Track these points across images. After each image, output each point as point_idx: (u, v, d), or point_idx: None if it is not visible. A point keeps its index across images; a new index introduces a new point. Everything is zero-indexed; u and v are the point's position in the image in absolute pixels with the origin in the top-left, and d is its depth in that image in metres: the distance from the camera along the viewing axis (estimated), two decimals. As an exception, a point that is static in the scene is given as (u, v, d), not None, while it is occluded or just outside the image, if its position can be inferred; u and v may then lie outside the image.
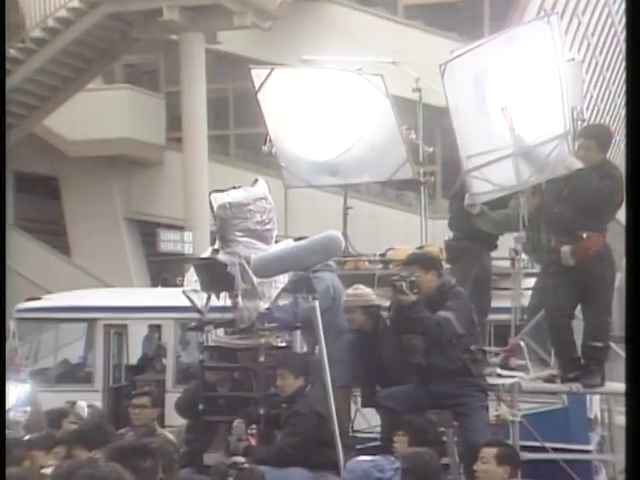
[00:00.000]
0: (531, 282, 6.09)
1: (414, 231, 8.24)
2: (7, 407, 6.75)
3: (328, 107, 7.06)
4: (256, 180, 5.86)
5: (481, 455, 4.35)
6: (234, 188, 5.79)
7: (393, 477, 3.50)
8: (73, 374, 9.98)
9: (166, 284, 12.25)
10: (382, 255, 6.85)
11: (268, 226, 5.64)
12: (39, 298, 10.18)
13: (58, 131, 16.03)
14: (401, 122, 6.92)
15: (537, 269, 6.19)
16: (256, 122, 8.04)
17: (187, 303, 6.00)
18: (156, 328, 10.35)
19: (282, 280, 5.58)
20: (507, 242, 6.10)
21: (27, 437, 5.38)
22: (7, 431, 5.40)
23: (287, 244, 5.55)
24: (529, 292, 6.07)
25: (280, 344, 5.51)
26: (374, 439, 5.50)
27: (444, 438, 5.03)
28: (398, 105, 6.85)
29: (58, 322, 10.25)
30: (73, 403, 7.05)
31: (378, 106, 6.87)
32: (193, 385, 6.25)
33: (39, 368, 10.16)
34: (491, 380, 5.42)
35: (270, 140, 7.40)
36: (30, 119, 14.54)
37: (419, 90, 8.02)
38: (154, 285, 14.61)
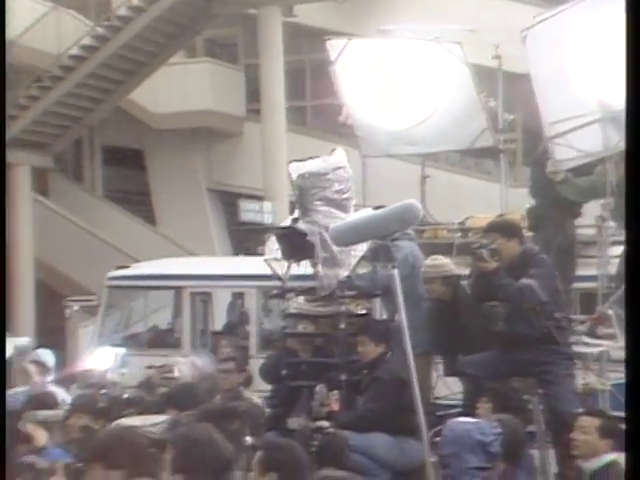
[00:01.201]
0: (618, 250, 5.91)
1: (493, 199, 8.09)
2: (105, 368, 7.01)
3: (406, 77, 6.98)
4: (334, 149, 5.84)
5: (580, 424, 4.12)
6: (312, 158, 5.79)
7: (494, 442, 3.37)
8: (162, 339, 10.24)
9: (247, 253, 12.41)
10: (461, 224, 6.76)
11: (346, 195, 5.62)
12: (128, 266, 10.46)
13: (143, 104, 16.32)
14: (480, 90, 6.78)
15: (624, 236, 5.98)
16: (333, 93, 8.01)
17: (269, 271, 6.06)
18: (239, 296, 10.50)
19: (361, 248, 5.56)
20: (592, 209, 5.92)
21: (125, 396, 5.56)
22: (105, 390, 5.62)
23: (366, 213, 5.52)
24: (616, 260, 5.88)
25: (360, 311, 5.51)
26: (456, 406, 5.47)
27: (529, 406, 4.95)
28: (477, 73, 6.70)
29: (147, 289, 10.53)
30: (159, 367, 7.25)
31: (457, 74, 6.74)
32: (276, 351, 6.34)
33: (131, 333, 10.48)
34: (578, 348, 5.29)
35: (347, 111, 7.36)
36: (116, 94, 14.84)
37: (499, 57, 7.84)
38: (236, 254, 14.82)
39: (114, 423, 4.10)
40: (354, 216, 5.47)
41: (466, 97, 6.72)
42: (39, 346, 7.74)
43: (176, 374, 7.08)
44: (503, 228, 5.29)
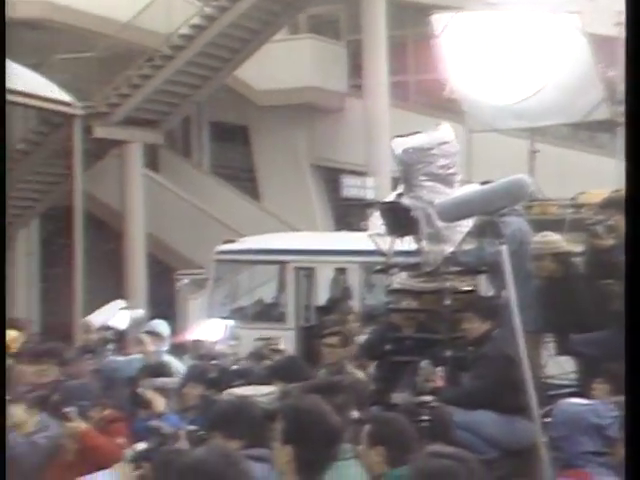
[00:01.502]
0: None
1: (605, 175, 7.80)
2: (215, 339, 7.22)
3: (516, 50, 6.79)
4: (440, 124, 5.75)
5: None
6: (417, 133, 5.72)
7: (612, 425, 3.18)
8: (267, 313, 10.44)
9: (350, 229, 12.44)
10: (573, 199, 6.55)
11: (452, 170, 5.53)
12: (235, 241, 10.69)
13: (247, 81, 16.53)
14: (598, 60, 6.50)
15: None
16: (437, 68, 7.88)
17: (371, 247, 6.05)
18: (342, 271, 10.57)
19: (467, 224, 5.47)
20: None
21: (235, 367, 5.71)
22: (215, 361, 5.79)
23: (472, 188, 5.43)
24: None
25: (465, 288, 5.44)
26: (568, 386, 5.34)
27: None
28: (595, 42, 6.42)
29: (253, 264, 10.74)
30: (266, 339, 7.40)
31: (573, 45, 6.50)
32: (379, 327, 6.34)
33: (237, 307, 10.73)
34: None
35: (451, 85, 7.24)
36: (223, 71, 15.08)
37: (620, 24, 7.49)
38: (338, 229, 14.89)
39: (225, 393, 4.23)
40: (460, 192, 5.38)
41: (582, 68, 6.47)
42: (153, 317, 8.02)
43: (281, 347, 7.21)
44: (621, 203, 5.09)
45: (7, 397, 4.45)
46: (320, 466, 2.61)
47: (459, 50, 6.94)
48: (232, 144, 18.60)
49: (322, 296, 10.61)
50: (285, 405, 2.84)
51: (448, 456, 2.37)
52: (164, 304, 12.71)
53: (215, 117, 17.74)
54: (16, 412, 4.50)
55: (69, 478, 3.88)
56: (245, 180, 17.94)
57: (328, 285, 10.86)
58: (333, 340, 6.21)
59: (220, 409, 3.40)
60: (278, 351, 6.93)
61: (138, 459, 3.02)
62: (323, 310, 9.95)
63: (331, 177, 16.49)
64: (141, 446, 3.11)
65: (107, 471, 2.81)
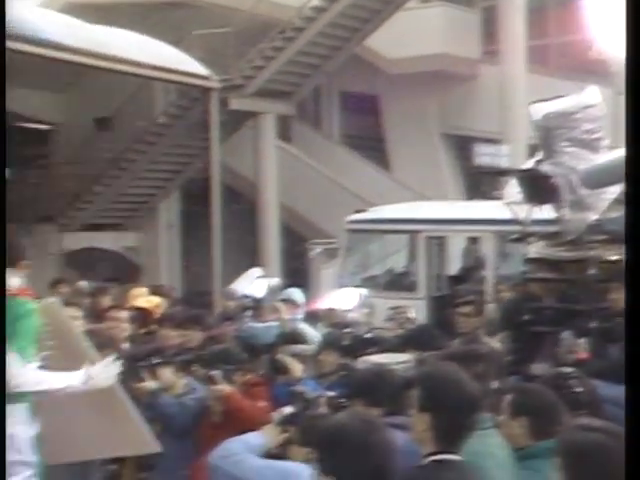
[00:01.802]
0: None
1: None
2: (348, 308, 7.28)
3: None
4: (585, 88, 5.49)
5: None
6: (559, 97, 5.48)
7: None
8: (398, 282, 10.42)
9: (483, 197, 12.17)
10: None
11: (597, 135, 5.29)
12: (366, 211, 10.70)
13: (378, 50, 16.40)
14: None
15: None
16: (580, 28, 7.51)
17: (505, 216, 5.88)
18: (474, 240, 10.37)
19: (612, 191, 5.22)
20: None
21: (368, 335, 5.74)
22: (348, 329, 5.84)
23: (619, 153, 5.16)
24: None
25: (612, 257, 5.19)
26: None
27: None
28: None
29: (384, 233, 10.72)
30: (396, 308, 7.39)
31: None
32: (517, 296, 6.18)
33: (369, 275, 10.77)
34: None
35: (597, 46, 6.88)
36: (353, 41, 15.02)
37: None
38: (469, 198, 14.60)
39: (361, 360, 4.25)
40: (606, 157, 5.13)
41: None
42: (287, 286, 8.17)
43: (411, 315, 7.18)
44: None
45: (157, 360, 4.67)
46: (458, 435, 2.56)
47: (606, 8, 6.56)
48: (362, 114, 18.55)
49: (454, 265, 10.46)
50: (422, 372, 2.81)
51: (599, 429, 2.26)
52: (297, 273, 12.93)
53: (345, 87, 17.73)
54: (165, 374, 4.71)
55: (216, 438, 4.03)
56: (375, 150, 17.87)
57: (460, 254, 10.69)
58: (467, 309, 6.11)
59: (361, 376, 3.42)
60: (408, 320, 6.91)
61: (285, 422, 3.08)
62: (456, 279, 9.82)
63: (463, 145, 16.14)
64: (287, 410, 3.17)
65: (256, 433, 2.89)
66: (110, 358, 3.98)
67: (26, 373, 3.70)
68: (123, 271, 12.08)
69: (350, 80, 17.00)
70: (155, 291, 8.27)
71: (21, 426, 3.78)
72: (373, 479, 2.24)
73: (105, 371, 3.93)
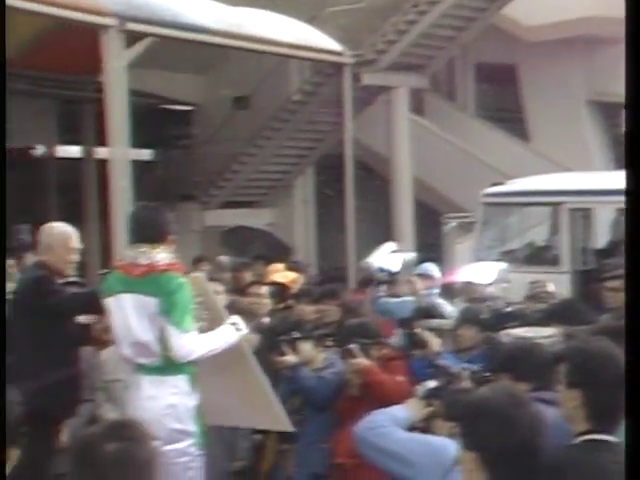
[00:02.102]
0: None
1: None
2: (486, 282, 7.10)
3: None
4: None
5: None
6: None
7: None
8: (539, 256, 10.09)
9: (631, 167, 11.50)
10: None
11: None
12: (503, 183, 10.39)
13: (516, 18, 15.81)
14: None
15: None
16: None
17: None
18: (624, 212, 9.84)
19: None
20: None
21: (508, 309, 5.58)
22: (488, 303, 5.69)
23: None
24: None
25: None
26: None
27: None
28: None
29: (523, 206, 10.38)
30: (534, 282, 7.13)
31: None
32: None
33: (507, 249, 10.47)
34: None
35: None
36: (489, 10, 14.54)
37: None
38: (617, 168, 13.87)
39: (504, 334, 4.12)
40: None
41: None
42: (420, 261, 8.08)
43: (550, 289, 6.91)
44: None
45: (297, 334, 4.74)
46: (614, 414, 2.41)
47: None
48: (498, 84, 17.98)
49: (601, 239, 9.99)
50: (572, 347, 2.66)
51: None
52: (431, 248, 12.78)
53: (481, 58, 17.23)
54: (305, 348, 4.78)
55: (355, 412, 4.05)
56: (512, 121, 17.31)
57: (607, 227, 10.19)
58: (616, 283, 5.78)
59: (507, 350, 3.32)
60: (548, 294, 6.66)
61: (429, 396, 3.05)
62: (604, 253, 9.37)
63: (611, 112, 15.33)
64: (431, 384, 3.14)
65: (401, 406, 2.87)
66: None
67: (187, 343, 3.84)
68: (273, 249, 12.37)
69: (486, 50, 16.49)
70: (291, 267, 8.40)
71: (182, 396, 3.93)
72: (519, 456, 2.15)
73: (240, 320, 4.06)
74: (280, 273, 7.73)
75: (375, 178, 15.64)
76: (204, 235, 14.54)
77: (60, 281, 4.58)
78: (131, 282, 3.97)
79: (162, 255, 3.97)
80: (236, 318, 4.11)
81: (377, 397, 4.19)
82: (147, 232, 4.01)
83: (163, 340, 3.89)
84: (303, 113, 14.76)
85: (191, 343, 3.87)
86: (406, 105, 14.68)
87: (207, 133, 15.64)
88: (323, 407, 4.67)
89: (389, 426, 2.67)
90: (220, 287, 6.09)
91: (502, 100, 17.87)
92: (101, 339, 4.74)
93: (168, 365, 3.93)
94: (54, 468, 4.35)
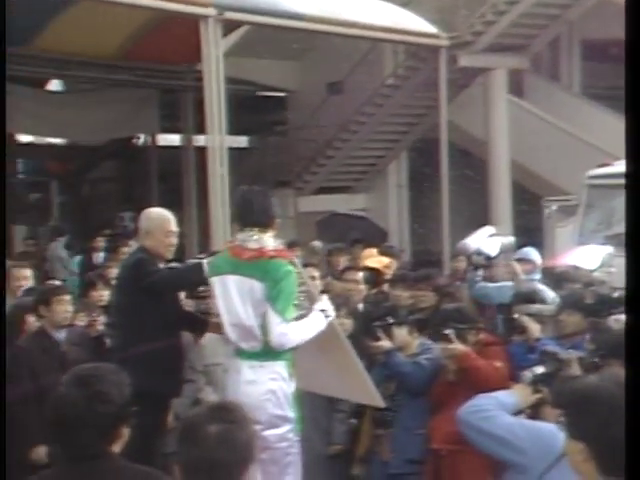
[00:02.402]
0: None
1: None
2: (590, 267, 6.84)
3: None
4: None
5: None
6: None
7: None
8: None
9: None
10: None
11: None
12: (610, 164, 9.99)
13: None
14: None
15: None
16: None
17: None
18: None
19: None
20: None
21: (615, 294, 5.37)
22: (592, 287, 5.49)
23: None
24: None
25: None
26: None
27: None
28: None
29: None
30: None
31: None
32: None
33: (613, 233, 10.06)
34: None
35: None
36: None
37: None
38: None
39: (613, 319, 3.97)
40: None
41: None
42: (519, 245, 7.87)
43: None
44: None
45: (391, 320, 4.70)
46: None
47: None
48: (607, 62, 17.26)
49: None
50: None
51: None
52: (530, 232, 12.44)
53: (588, 35, 16.54)
54: (399, 334, 4.74)
55: (452, 397, 4.00)
56: (621, 99, 16.56)
57: None
58: None
59: (617, 336, 3.18)
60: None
61: (537, 382, 2.97)
62: None
63: None
64: (539, 370, 3.05)
65: (507, 392, 2.80)
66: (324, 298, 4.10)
67: (287, 332, 3.87)
68: (369, 234, 12.35)
69: (595, 27, 15.80)
70: (385, 252, 8.34)
71: (281, 382, 3.97)
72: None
73: (329, 304, 4.06)
74: (374, 258, 7.69)
75: (471, 162, 15.35)
76: (298, 221, 14.65)
77: (160, 264, 4.68)
78: (239, 265, 4.01)
79: (271, 241, 4.02)
80: (325, 304, 4.09)
81: (474, 383, 4.12)
82: (257, 216, 4.04)
83: (264, 326, 3.93)
84: (397, 97, 14.62)
85: (290, 332, 3.90)
86: (504, 87, 14.32)
87: (301, 119, 15.73)
88: (418, 393, 4.63)
89: (494, 410, 2.60)
90: (316, 272, 6.18)
91: (610, 78, 17.14)
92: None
93: (268, 351, 3.97)
94: (162, 447, 4.46)
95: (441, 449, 4.37)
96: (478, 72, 14.13)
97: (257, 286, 3.94)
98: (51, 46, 12.70)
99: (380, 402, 4.36)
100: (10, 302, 5.90)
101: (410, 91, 14.48)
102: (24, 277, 6.46)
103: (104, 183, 19.39)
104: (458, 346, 4.40)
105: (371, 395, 4.31)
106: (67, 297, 5.03)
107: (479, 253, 5.74)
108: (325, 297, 4.16)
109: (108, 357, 4.52)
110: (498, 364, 4.30)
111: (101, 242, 11.25)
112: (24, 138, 18.33)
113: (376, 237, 11.98)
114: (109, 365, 2.49)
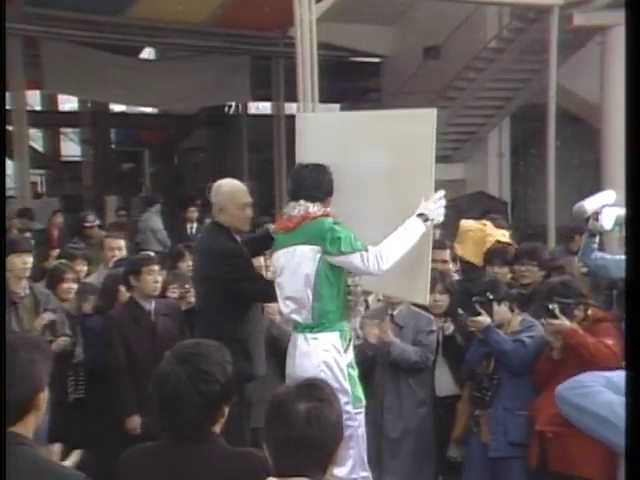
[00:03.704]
0: None
1: None
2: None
3: None
4: None
5: None
6: None
7: None
8: None
9: None
10: None
11: None
12: None
13: None
14: None
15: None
16: None
17: None
18: None
19: None
20: None
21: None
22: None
23: None
24: None
25: None
26: None
27: None
28: None
29: None
30: None
31: None
32: None
33: None
34: None
35: None
36: None
37: None
38: None
39: None
40: None
41: None
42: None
43: None
44: None
45: (491, 296, 4.57)
46: None
47: None
48: None
49: None
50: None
51: None
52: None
53: None
54: (500, 311, 4.62)
55: (556, 376, 3.86)
56: None
57: None
58: None
59: None
60: None
61: None
62: None
63: None
64: None
65: (622, 371, 2.65)
66: (439, 194, 3.97)
67: (375, 256, 3.86)
68: (488, 207, 12.10)
69: None
70: (498, 225, 8.14)
71: (335, 354, 3.97)
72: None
73: (437, 206, 3.94)
74: (498, 231, 7.51)
75: (580, 128, 14.81)
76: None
77: (237, 237, 4.62)
78: (285, 237, 4.08)
79: (317, 208, 4.02)
80: (424, 207, 3.94)
81: (581, 361, 3.98)
82: (308, 192, 4.06)
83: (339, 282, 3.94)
84: (500, 62, 14.20)
85: (377, 255, 3.86)
86: (623, 46, 13.65)
87: (396, 85, 15.52)
88: (520, 372, 4.52)
89: (597, 387, 2.48)
90: None
91: None
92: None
93: (320, 322, 4.00)
94: (251, 422, 4.52)
95: (547, 431, 4.24)
96: (593, 31, 13.54)
97: (306, 251, 3.97)
98: (143, 14, 12.96)
99: (425, 300, 4.24)
100: (103, 273, 6.08)
101: (515, 54, 14.03)
102: (118, 247, 6.60)
103: (196, 153, 19.75)
104: (564, 322, 4.25)
105: (423, 295, 4.18)
106: (156, 267, 5.11)
107: (596, 218, 5.38)
108: (424, 201, 3.96)
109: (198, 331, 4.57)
110: (610, 342, 4.12)
111: (194, 212, 11.46)
112: (117, 107, 18.88)
113: (495, 209, 11.67)
114: (211, 342, 2.51)
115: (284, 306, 4.13)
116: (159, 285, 5.14)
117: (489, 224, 8.06)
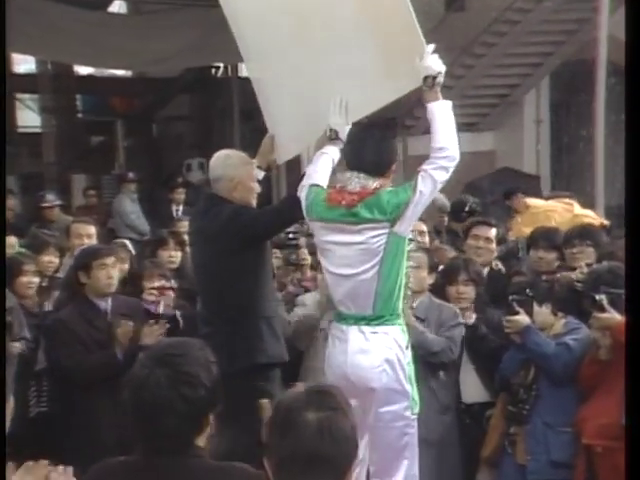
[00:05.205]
0: None
1: None
2: None
3: None
4: None
5: None
6: None
7: None
8: None
9: None
10: None
11: None
12: None
13: None
14: None
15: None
16: None
17: None
18: None
19: None
20: None
21: None
22: None
23: None
24: None
25: None
26: None
27: None
28: None
29: None
30: None
31: None
32: None
33: None
34: None
35: None
36: None
37: None
38: None
39: None
40: None
41: None
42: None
43: None
44: None
45: (531, 294, 4.58)
46: None
47: None
48: None
49: None
50: None
51: None
52: None
53: None
54: (541, 313, 4.62)
55: (605, 380, 3.86)
56: None
57: None
58: None
59: None
60: None
61: None
62: None
63: None
64: None
65: None
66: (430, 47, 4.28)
67: (443, 148, 4.27)
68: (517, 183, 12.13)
69: None
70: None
71: (398, 351, 3.96)
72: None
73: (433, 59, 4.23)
74: (581, 211, 7.56)
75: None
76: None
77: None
78: (339, 212, 4.01)
79: (377, 183, 4.02)
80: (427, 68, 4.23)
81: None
82: (367, 163, 4.07)
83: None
84: (538, 11, 14.11)
85: (436, 153, 4.22)
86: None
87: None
88: (564, 379, 4.51)
89: None
90: (424, 227, 6.33)
91: None
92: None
93: (381, 315, 3.97)
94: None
95: (595, 445, 4.24)
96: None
97: (366, 230, 3.94)
98: (112, -42, 12.89)
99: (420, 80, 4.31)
100: (67, 263, 6.02)
101: (557, 2, 13.95)
102: (87, 234, 6.39)
103: (178, 123, 19.72)
104: (614, 315, 4.23)
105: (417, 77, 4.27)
106: (109, 260, 4.96)
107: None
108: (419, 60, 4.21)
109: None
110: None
111: (181, 194, 11.38)
112: (83, 70, 18.82)
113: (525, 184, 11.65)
114: (192, 340, 2.51)
115: (335, 292, 4.07)
116: (114, 281, 4.99)
117: (575, 203, 8.06)
